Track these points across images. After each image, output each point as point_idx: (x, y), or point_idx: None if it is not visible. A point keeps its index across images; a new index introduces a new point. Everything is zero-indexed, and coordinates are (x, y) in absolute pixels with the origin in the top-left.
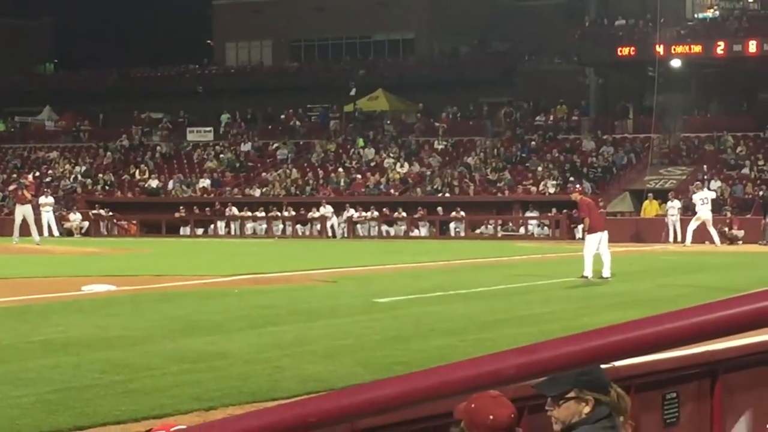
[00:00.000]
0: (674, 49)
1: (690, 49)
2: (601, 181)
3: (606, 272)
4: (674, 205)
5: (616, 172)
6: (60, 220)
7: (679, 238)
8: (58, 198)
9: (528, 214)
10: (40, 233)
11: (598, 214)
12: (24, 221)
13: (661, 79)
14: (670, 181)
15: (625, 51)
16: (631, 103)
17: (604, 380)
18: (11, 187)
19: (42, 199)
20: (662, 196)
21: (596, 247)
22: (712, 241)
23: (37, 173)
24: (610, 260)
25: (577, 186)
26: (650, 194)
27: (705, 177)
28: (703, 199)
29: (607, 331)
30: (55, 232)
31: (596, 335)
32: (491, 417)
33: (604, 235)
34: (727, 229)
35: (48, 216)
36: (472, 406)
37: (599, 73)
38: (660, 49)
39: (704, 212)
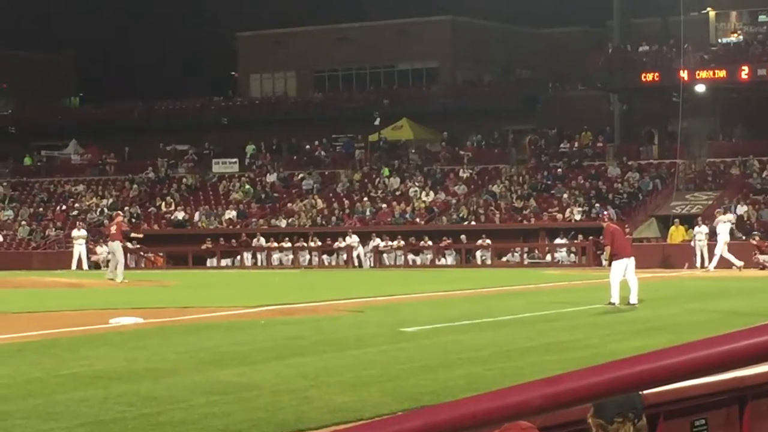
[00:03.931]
0: (698, 74)
1: (714, 74)
2: (626, 207)
3: (633, 299)
4: (701, 230)
5: (641, 198)
6: (87, 253)
7: (706, 263)
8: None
9: (557, 241)
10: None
11: (623, 240)
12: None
13: (686, 104)
14: (696, 206)
15: (649, 77)
16: (656, 128)
17: (608, 407)
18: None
19: (74, 232)
20: (688, 222)
21: (622, 274)
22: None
23: (64, 207)
24: (638, 286)
25: (604, 212)
26: (676, 220)
27: (731, 202)
28: (725, 224)
29: (634, 360)
30: (85, 266)
31: (622, 365)
32: None
33: (630, 262)
34: (757, 254)
35: (80, 249)
36: None
37: (623, 99)
38: (684, 74)
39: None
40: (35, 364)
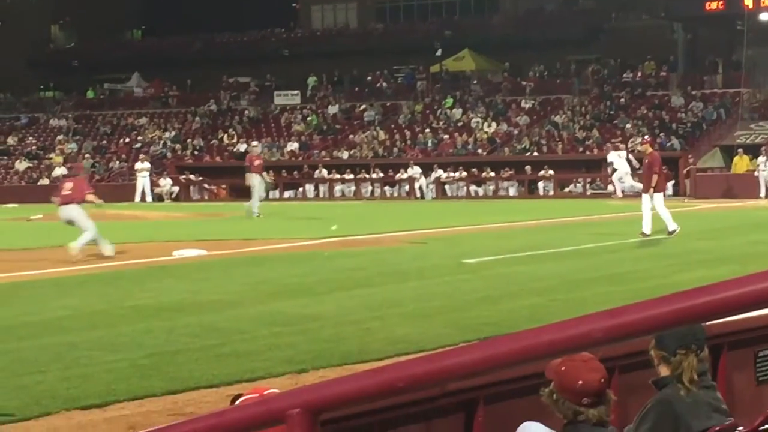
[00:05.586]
0: (763, 2)
1: None
2: (690, 137)
3: (647, 229)
4: (765, 160)
5: (705, 128)
6: (150, 185)
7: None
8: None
9: None
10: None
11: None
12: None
13: (750, 32)
14: (761, 135)
15: (714, 5)
16: (720, 57)
17: (670, 339)
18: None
19: (138, 165)
20: (753, 151)
21: (652, 205)
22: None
23: (127, 139)
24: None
25: (646, 137)
26: (740, 150)
27: None
28: (619, 154)
29: (697, 292)
30: (149, 198)
31: (686, 296)
32: (580, 382)
33: (649, 195)
34: None
35: (144, 181)
36: (562, 368)
37: (687, 28)
38: (749, 2)
39: (621, 165)
40: (100, 296)
